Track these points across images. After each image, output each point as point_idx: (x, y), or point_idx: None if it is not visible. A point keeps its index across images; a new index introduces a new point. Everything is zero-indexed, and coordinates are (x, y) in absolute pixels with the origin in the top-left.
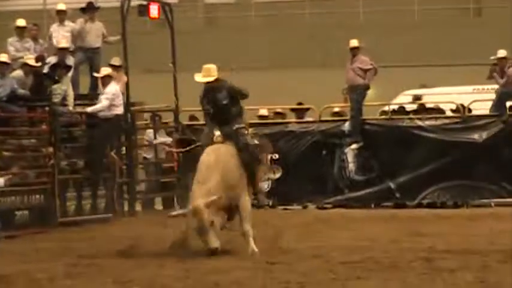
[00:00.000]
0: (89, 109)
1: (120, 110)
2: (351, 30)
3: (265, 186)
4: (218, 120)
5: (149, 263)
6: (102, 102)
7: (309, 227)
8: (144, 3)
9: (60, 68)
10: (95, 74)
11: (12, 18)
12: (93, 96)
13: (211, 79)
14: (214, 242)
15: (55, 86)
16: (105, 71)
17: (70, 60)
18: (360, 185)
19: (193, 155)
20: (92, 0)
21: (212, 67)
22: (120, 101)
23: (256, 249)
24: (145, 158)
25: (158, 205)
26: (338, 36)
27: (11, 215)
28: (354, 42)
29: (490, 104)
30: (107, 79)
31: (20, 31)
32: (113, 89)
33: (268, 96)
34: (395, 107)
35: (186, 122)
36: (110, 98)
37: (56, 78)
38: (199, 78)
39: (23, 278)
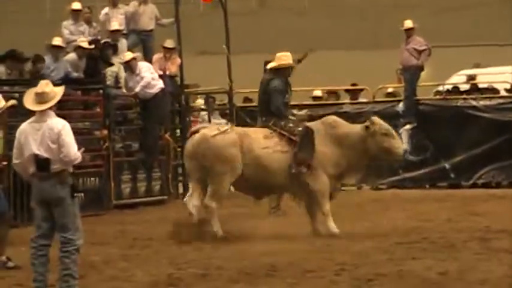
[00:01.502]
0: (138, 88)
1: (160, 84)
2: (403, 11)
3: None
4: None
5: (204, 245)
6: (145, 76)
7: (363, 208)
8: None
9: (108, 48)
10: (118, 60)
11: (66, 2)
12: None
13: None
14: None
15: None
16: (128, 55)
17: (123, 43)
18: (415, 165)
19: None
20: None
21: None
22: (156, 75)
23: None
24: None
25: None
26: (390, 16)
27: None
28: (409, 23)
29: None
30: (133, 62)
31: (75, 14)
32: (147, 64)
33: (322, 78)
34: (450, 87)
35: (240, 104)
36: (149, 72)
37: (110, 61)
38: (290, 61)
39: (79, 261)
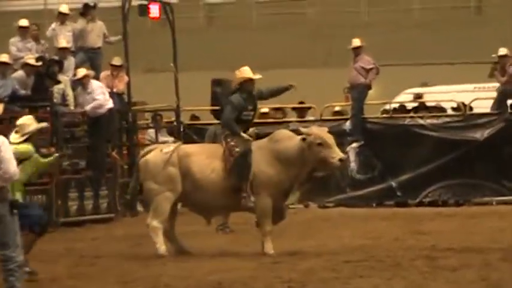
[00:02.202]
0: (88, 107)
1: (110, 104)
2: (352, 29)
3: None
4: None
5: (152, 263)
6: (99, 98)
7: (311, 226)
8: (145, 3)
9: (54, 65)
10: (71, 77)
11: (13, 19)
12: None
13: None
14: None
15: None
16: (81, 72)
17: (71, 61)
18: (362, 183)
19: None
20: (88, 1)
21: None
22: (107, 95)
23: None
24: None
25: None
26: (339, 35)
27: None
28: (357, 42)
29: (491, 102)
30: (86, 79)
31: (23, 31)
32: (99, 84)
33: None
34: (397, 105)
35: (187, 121)
36: (102, 92)
37: (57, 78)
38: (250, 74)
39: (25, 279)
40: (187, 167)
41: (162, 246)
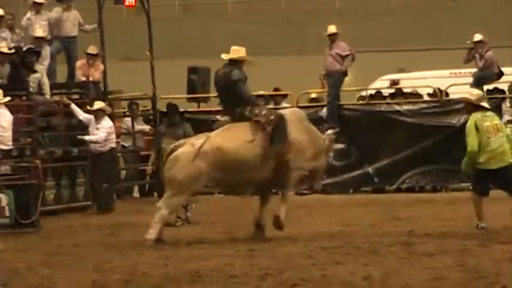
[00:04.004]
0: (86, 137)
1: (114, 144)
2: (327, 16)
3: None
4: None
5: (129, 251)
6: (99, 134)
7: (287, 213)
8: None
9: (32, 55)
10: (41, 67)
11: None
12: (70, 85)
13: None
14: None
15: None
16: (97, 105)
17: (47, 50)
18: (339, 170)
19: None
20: None
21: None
22: (114, 135)
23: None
24: (123, 146)
25: (136, 193)
26: (314, 22)
27: None
28: (332, 29)
29: (467, 87)
30: (100, 112)
31: None
32: (109, 123)
33: None
34: (373, 92)
35: (163, 109)
36: (106, 132)
37: (34, 68)
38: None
39: (2, 267)
40: (222, 157)
41: (153, 235)
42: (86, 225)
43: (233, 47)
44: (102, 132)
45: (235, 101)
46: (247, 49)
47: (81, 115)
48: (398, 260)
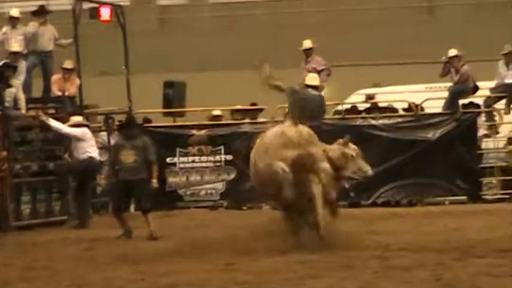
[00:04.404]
0: (52, 123)
1: (93, 152)
2: (303, 30)
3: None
4: None
5: (104, 266)
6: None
7: (264, 227)
8: (96, 6)
9: (8, 69)
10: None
11: None
12: (46, 99)
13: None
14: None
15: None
16: (74, 120)
17: (23, 65)
18: None
19: None
20: (44, 3)
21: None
22: (93, 143)
23: None
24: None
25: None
26: (291, 36)
27: None
28: (308, 43)
29: (442, 102)
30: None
31: None
32: (83, 129)
33: (222, 97)
34: (348, 106)
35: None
36: (72, 130)
37: (9, 83)
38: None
39: None
40: None
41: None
42: (62, 239)
43: (311, 75)
44: (68, 127)
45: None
46: (223, 63)
47: (63, 129)
48: (374, 274)
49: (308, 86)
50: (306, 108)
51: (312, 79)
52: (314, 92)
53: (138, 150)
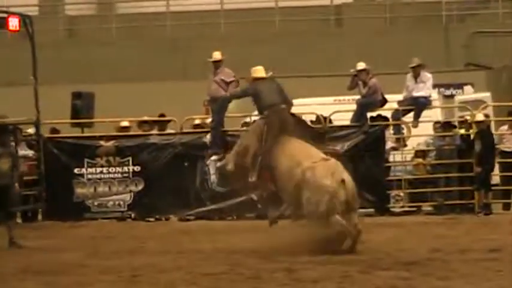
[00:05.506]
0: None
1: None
2: (212, 42)
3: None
4: None
5: (9, 277)
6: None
7: (171, 238)
8: (4, 15)
9: None
10: None
11: None
12: None
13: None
14: None
15: None
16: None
17: None
18: (222, 196)
19: None
20: None
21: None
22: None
23: None
24: None
25: (19, 218)
26: (199, 47)
27: None
28: (217, 55)
29: (350, 114)
30: None
31: None
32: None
33: (131, 109)
34: (257, 118)
35: (47, 134)
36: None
37: None
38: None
39: None
40: None
41: None
42: None
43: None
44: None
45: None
46: (131, 74)
47: None
48: (281, 286)
49: (257, 79)
50: (272, 95)
51: (257, 71)
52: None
53: (14, 157)
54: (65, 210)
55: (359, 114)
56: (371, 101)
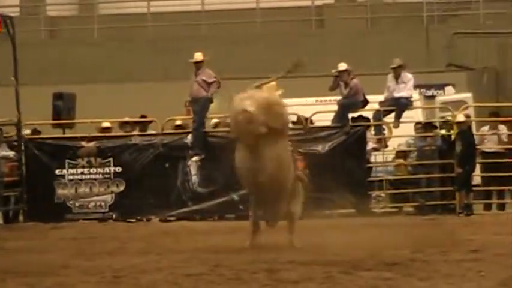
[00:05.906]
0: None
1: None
2: (193, 43)
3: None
4: None
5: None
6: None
7: (152, 239)
8: None
9: None
10: None
11: None
12: None
13: None
14: None
15: None
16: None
17: None
18: (204, 197)
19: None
20: None
21: None
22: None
23: None
24: None
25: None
26: (180, 48)
27: None
28: (199, 56)
29: (332, 115)
30: None
31: None
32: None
33: (112, 109)
34: None
35: (28, 135)
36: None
37: None
38: None
39: None
40: None
41: None
42: None
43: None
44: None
45: None
46: (113, 75)
47: None
48: (263, 287)
49: None
50: None
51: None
52: None
53: None
54: (46, 211)
55: (340, 115)
56: (352, 101)
